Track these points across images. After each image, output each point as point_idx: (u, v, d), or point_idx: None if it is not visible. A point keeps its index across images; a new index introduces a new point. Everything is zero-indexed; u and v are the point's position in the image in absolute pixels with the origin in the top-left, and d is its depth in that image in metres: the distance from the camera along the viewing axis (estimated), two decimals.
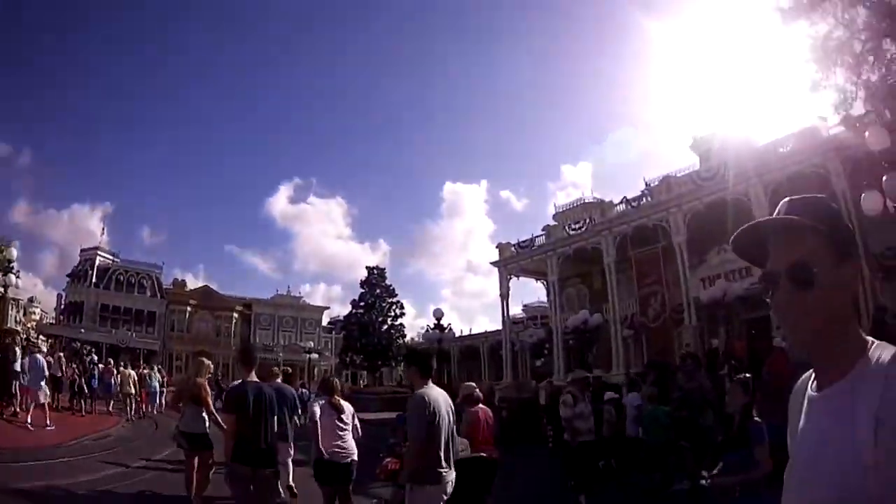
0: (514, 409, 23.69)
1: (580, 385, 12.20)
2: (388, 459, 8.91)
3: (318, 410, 8.63)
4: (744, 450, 5.79)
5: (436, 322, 31.47)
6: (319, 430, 8.41)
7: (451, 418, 6.32)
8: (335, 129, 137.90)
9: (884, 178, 12.65)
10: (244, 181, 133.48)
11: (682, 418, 13.04)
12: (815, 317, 1.50)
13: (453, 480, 6.13)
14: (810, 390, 1.59)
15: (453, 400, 6.89)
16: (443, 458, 6.02)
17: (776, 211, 1.67)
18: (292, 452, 10.78)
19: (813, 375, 1.61)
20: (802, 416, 1.60)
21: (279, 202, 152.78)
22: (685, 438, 12.54)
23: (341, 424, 8.45)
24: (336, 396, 8.84)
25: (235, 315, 74.97)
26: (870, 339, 1.50)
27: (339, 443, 8.32)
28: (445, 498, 6.05)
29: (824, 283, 1.50)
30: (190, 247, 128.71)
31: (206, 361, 10.82)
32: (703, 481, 6.00)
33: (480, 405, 9.41)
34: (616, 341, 33.81)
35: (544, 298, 45.48)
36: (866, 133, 13.95)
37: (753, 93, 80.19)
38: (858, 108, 24.14)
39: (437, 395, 6.21)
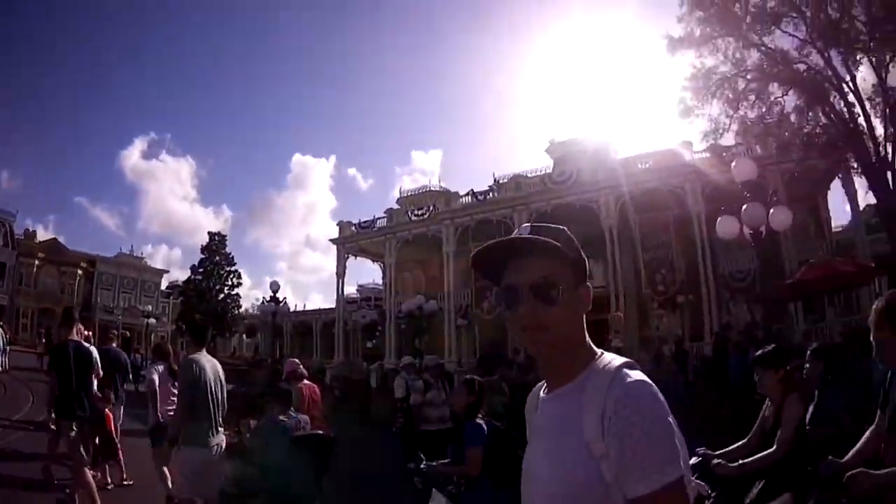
0: (346, 389, 23.68)
1: (435, 372, 12.09)
2: (227, 433, 8.45)
3: (156, 377, 8.72)
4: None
5: (272, 295, 30.55)
6: (158, 397, 8.58)
7: (221, 386, 6.63)
8: (195, 84, 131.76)
9: (744, 206, 13.12)
10: (102, 128, 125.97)
11: (517, 410, 13.05)
12: (555, 330, 1.64)
13: (221, 444, 6.49)
14: (542, 394, 1.79)
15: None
16: (209, 421, 6.33)
17: (516, 232, 1.75)
18: (121, 417, 10.77)
19: (545, 382, 1.80)
20: (536, 415, 1.80)
21: (132, 156, 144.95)
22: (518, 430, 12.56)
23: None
24: (172, 363, 8.90)
25: (80, 272, 69.20)
26: (599, 350, 1.71)
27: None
28: (214, 459, 6.35)
29: (565, 301, 1.66)
30: (41, 196, 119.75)
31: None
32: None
33: (305, 381, 9.36)
34: (449, 329, 34.36)
35: (380, 280, 45.61)
36: (732, 163, 14.38)
37: (622, 107, 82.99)
38: (728, 140, 25.39)
39: (206, 363, 6.51)
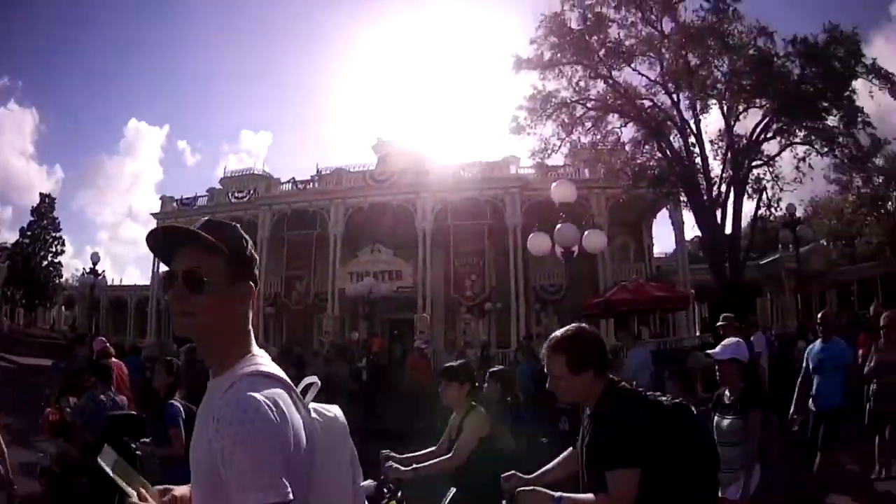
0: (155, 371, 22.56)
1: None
2: (49, 410, 8.27)
3: None
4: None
5: (92, 266, 28.62)
6: None
7: None
8: (53, 29, 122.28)
9: (558, 226, 13.33)
10: None
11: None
12: (200, 319, 1.70)
13: None
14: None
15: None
16: None
17: (196, 225, 1.75)
18: None
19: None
20: None
21: None
22: None
23: None
24: None
25: None
26: (256, 352, 1.75)
27: None
28: None
29: (213, 293, 1.70)
30: None
31: None
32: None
33: (113, 359, 9.21)
34: (258, 318, 33.06)
35: None
36: (553, 184, 14.59)
37: (454, 114, 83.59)
38: (555, 161, 25.90)
39: None
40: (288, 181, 36.70)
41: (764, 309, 39.66)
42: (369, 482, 3.68)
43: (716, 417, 5.14)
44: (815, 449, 7.55)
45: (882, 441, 8.07)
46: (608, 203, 31.30)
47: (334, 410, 1.94)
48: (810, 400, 7.61)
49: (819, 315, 8.61)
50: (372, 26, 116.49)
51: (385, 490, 3.89)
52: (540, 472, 3.44)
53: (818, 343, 7.78)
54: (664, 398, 2.88)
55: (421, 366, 18.16)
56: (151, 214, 41.34)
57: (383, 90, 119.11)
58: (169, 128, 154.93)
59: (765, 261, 37.19)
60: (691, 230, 26.95)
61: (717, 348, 5.24)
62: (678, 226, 33.55)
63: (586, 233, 14.34)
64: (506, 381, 6.03)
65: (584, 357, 2.84)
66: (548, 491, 2.97)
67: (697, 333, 29.20)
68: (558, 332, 2.99)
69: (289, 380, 1.74)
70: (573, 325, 3.06)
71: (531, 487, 3.04)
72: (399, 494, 3.99)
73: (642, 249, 36.57)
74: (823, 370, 7.45)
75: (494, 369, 6.43)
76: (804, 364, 7.88)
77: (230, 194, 37.75)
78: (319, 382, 1.93)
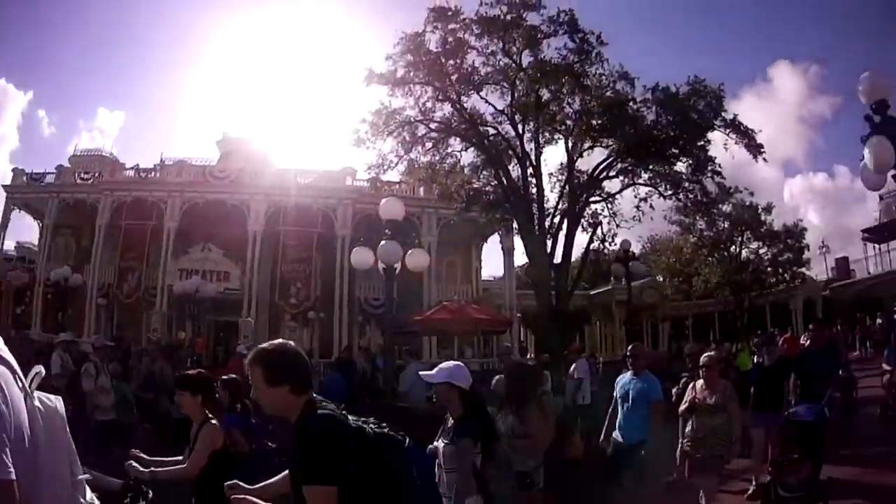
0: None
1: (102, 353, 11.80)
2: None
3: None
4: None
5: None
6: None
7: None
8: None
9: (382, 242, 13.50)
10: None
11: (146, 400, 13.44)
12: None
13: None
14: None
15: None
16: None
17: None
18: None
19: None
20: None
21: None
22: (148, 420, 13.07)
23: None
24: None
25: None
26: None
27: None
28: None
29: None
30: None
31: None
32: None
33: None
34: (91, 307, 31.92)
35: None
36: (382, 200, 14.80)
37: (300, 119, 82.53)
38: (391, 177, 26.10)
39: None
40: (132, 168, 35.08)
41: (594, 337, 41.51)
42: (114, 480, 3.81)
43: (438, 442, 5.09)
44: (610, 480, 7.57)
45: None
46: (440, 223, 32.20)
47: (56, 402, 1.88)
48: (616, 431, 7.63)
49: (629, 347, 8.48)
50: (235, 19, 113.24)
51: (129, 489, 3.88)
52: (262, 484, 3.47)
53: (628, 375, 7.76)
54: (371, 425, 2.93)
55: (241, 372, 17.90)
56: (2, 186, 38.65)
57: (238, 85, 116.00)
58: (32, 94, 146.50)
59: (596, 291, 38.60)
60: (521, 256, 27.80)
61: (434, 370, 5.17)
62: (508, 251, 34.90)
63: (410, 252, 14.54)
64: (233, 389, 6.25)
65: (280, 372, 2.88)
66: (258, 500, 3.05)
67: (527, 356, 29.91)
68: (263, 345, 3.06)
69: (14, 362, 1.69)
70: (278, 340, 3.12)
71: (242, 496, 3.11)
72: (150, 496, 4.00)
73: (470, 271, 37.63)
74: (631, 402, 7.46)
75: (225, 377, 6.66)
76: (613, 394, 7.91)
77: (77, 174, 35.34)
78: (44, 371, 1.87)
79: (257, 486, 3.44)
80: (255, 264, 30.62)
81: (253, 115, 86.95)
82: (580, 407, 12.94)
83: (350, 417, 2.89)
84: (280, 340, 3.12)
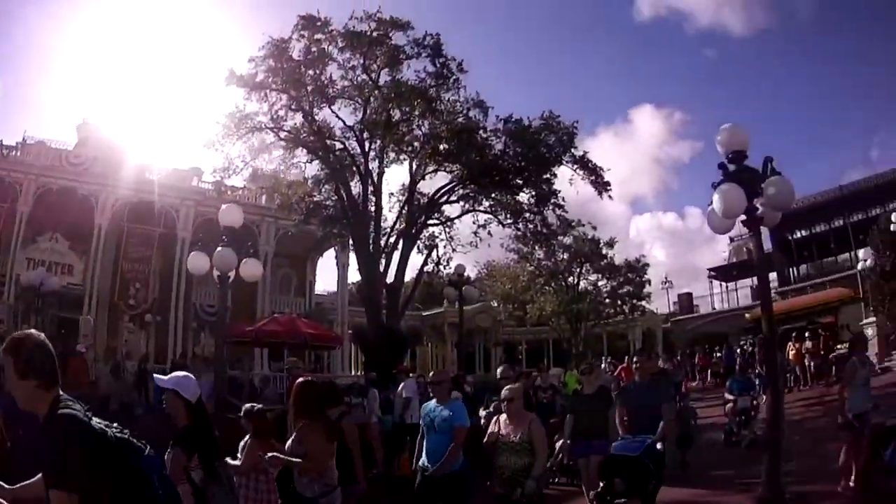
0: None
1: None
2: None
3: None
4: None
5: None
6: None
7: None
8: None
9: (218, 249, 13.43)
10: None
11: None
12: None
13: None
14: None
15: None
16: None
17: None
18: None
19: None
20: None
21: None
22: None
23: None
24: None
25: None
26: None
27: None
28: None
29: None
30: None
31: None
32: None
33: None
34: None
35: None
36: (223, 206, 14.75)
37: (161, 112, 79.35)
38: (236, 182, 25.62)
39: None
40: None
41: (425, 357, 41.74)
42: None
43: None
44: None
45: None
46: (278, 233, 31.67)
47: None
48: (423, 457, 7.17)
49: (430, 375, 8.34)
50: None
51: None
52: (22, 484, 3.26)
53: (433, 402, 7.34)
54: (114, 430, 2.90)
55: (80, 371, 17.51)
56: None
57: (103, 68, 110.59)
58: None
59: (428, 312, 39.03)
60: (356, 272, 27.81)
61: (167, 377, 4.99)
62: (343, 267, 34.99)
63: (244, 261, 14.35)
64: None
65: (29, 364, 2.81)
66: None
67: (359, 373, 29.75)
68: (15, 334, 2.98)
69: None
70: (29, 330, 3.02)
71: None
72: None
73: (304, 284, 37.22)
74: (436, 430, 7.05)
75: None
76: (420, 421, 7.55)
77: None
78: None
79: (18, 485, 3.26)
80: (98, 260, 28.76)
81: (115, 102, 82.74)
82: (408, 426, 12.67)
83: (94, 420, 2.83)
84: (29, 331, 3.01)
